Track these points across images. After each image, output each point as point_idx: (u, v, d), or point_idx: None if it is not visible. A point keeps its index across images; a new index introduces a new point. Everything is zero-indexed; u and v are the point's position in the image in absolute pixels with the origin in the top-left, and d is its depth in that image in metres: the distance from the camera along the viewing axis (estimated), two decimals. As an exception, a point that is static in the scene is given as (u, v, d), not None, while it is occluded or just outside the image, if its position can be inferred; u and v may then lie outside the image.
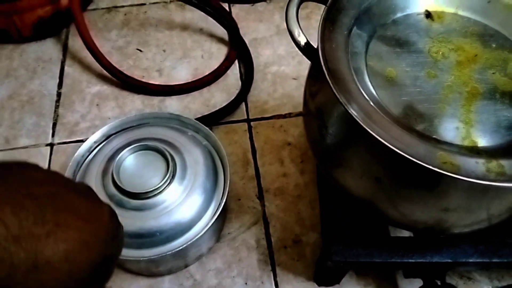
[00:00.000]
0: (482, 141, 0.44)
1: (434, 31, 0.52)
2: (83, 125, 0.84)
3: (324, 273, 0.64)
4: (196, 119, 0.76)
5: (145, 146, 0.61)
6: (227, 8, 1.00)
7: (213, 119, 0.82)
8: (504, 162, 0.41)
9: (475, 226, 0.49)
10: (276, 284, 0.67)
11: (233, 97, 0.86)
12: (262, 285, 0.67)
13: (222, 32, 0.96)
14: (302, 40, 0.49)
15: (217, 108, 0.84)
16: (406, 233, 0.61)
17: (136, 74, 0.90)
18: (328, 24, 0.49)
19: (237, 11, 1.01)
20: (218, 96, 0.87)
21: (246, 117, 0.85)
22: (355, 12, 0.50)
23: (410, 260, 0.55)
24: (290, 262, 0.68)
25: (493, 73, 0.48)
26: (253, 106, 0.86)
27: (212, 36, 0.97)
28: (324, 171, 0.57)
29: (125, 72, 0.88)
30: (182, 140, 0.66)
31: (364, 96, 0.45)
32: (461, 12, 0.53)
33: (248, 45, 0.94)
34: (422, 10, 0.53)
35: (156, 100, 0.87)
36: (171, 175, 0.60)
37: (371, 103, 0.44)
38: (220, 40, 0.96)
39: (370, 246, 0.56)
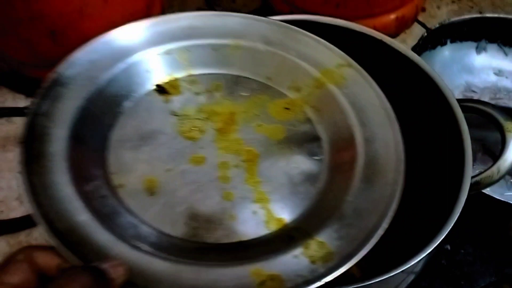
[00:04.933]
0: (287, 214, 0.29)
1: (175, 106, 0.34)
2: None
3: None
4: None
5: None
6: None
7: None
8: (322, 237, 0.26)
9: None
10: None
11: None
12: None
13: None
14: None
15: None
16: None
17: None
18: (35, 165, 0.27)
19: None
20: None
21: None
22: (64, 131, 0.29)
23: None
24: None
25: (259, 125, 0.33)
26: None
27: None
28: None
29: None
30: None
31: (123, 239, 0.26)
32: (193, 72, 0.35)
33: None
34: (151, 87, 0.34)
35: (22, 235, 0.56)
36: None
37: (140, 247, 0.25)
38: None
39: None
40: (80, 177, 0.28)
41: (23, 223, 0.59)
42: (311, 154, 0.31)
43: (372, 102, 0.32)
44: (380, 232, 0.26)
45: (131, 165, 0.30)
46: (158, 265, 0.24)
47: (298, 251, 0.25)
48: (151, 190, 0.29)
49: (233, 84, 0.35)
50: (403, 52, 0.40)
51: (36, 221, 0.25)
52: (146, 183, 0.29)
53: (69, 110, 0.30)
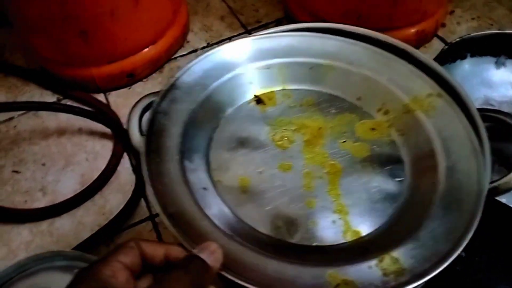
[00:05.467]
0: (364, 228, 0.31)
1: (270, 116, 0.38)
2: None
3: None
4: (91, 236, 0.56)
5: None
6: (103, 99, 0.76)
7: (112, 230, 0.60)
8: (396, 254, 0.28)
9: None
10: None
11: (129, 195, 0.64)
12: None
13: (103, 125, 0.72)
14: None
15: (114, 214, 0.61)
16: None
17: (17, 200, 0.65)
18: (154, 156, 0.33)
19: (114, 98, 0.76)
20: (113, 199, 0.64)
21: (148, 214, 0.62)
22: (178, 129, 0.35)
23: None
24: None
25: (343, 141, 0.36)
26: None
27: (94, 133, 0.72)
28: None
29: (4, 201, 0.63)
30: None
31: (219, 228, 0.30)
32: (288, 86, 0.39)
33: (133, 132, 0.71)
34: (250, 97, 0.38)
35: (44, 225, 0.63)
36: None
37: (232, 236, 0.29)
38: (103, 135, 0.72)
39: None
40: (187, 169, 0.33)
41: (46, 213, 0.64)
42: (392, 175, 0.33)
43: (458, 133, 0.33)
44: (453, 257, 0.28)
45: (228, 164, 0.34)
46: (248, 256, 0.28)
47: (372, 262, 0.27)
48: (244, 189, 0.33)
49: (324, 101, 0.38)
50: (425, 62, 0.38)
51: (153, 204, 0.30)
52: (240, 181, 0.34)
53: (184, 111, 0.35)
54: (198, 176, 0.33)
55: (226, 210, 0.32)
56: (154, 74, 0.79)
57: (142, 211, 0.62)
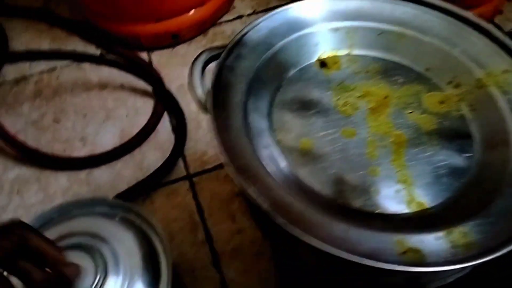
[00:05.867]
0: (429, 200, 0.31)
1: (334, 80, 0.37)
2: (5, 217, 0.58)
3: None
4: (130, 188, 0.56)
5: (68, 245, 0.41)
6: (146, 58, 0.76)
7: (149, 185, 0.61)
8: (465, 228, 0.27)
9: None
10: None
11: (167, 154, 0.64)
12: None
13: (144, 83, 0.72)
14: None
15: (152, 171, 0.62)
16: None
17: (57, 148, 0.66)
18: (220, 110, 0.32)
19: (157, 58, 0.76)
20: (151, 155, 0.65)
21: (186, 173, 0.63)
22: (243, 86, 0.34)
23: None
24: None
25: (410, 112, 0.34)
26: (192, 160, 0.62)
27: (135, 90, 0.72)
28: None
29: (44, 148, 0.64)
30: (110, 228, 0.45)
31: (280, 184, 0.29)
32: (355, 52, 0.38)
33: (175, 94, 0.68)
34: (315, 59, 0.37)
35: (83, 174, 0.64)
36: (103, 275, 0.39)
37: (293, 193, 0.29)
38: (144, 93, 0.72)
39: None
40: (251, 127, 0.32)
41: (85, 163, 0.64)
42: (460, 150, 0.32)
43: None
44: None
45: (290, 125, 0.34)
46: (313, 215, 0.28)
47: (440, 234, 0.27)
48: (305, 151, 0.33)
49: (391, 70, 0.36)
50: (500, 38, 0.35)
51: (221, 155, 0.30)
52: (302, 143, 0.33)
53: (249, 68, 0.34)
54: (261, 134, 0.32)
55: (287, 170, 0.31)
56: (198, 37, 0.78)
57: (179, 170, 0.63)
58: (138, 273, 0.43)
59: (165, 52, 0.77)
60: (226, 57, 0.34)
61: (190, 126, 0.66)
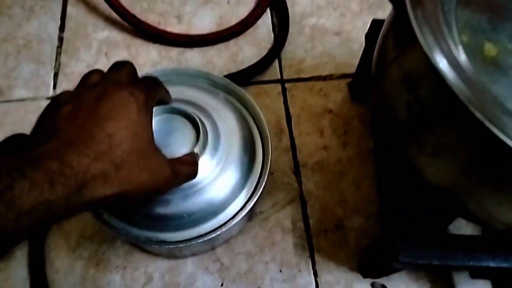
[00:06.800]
0: None
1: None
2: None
3: (371, 264, 0.45)
4: (230, 74, 0.53)
5: (170, 109, 0.37)
6: None
7: (242, 78, 0.56)
8: None
9: None
10: (315, 273, 0.47)
11: (264, 53, 0.59)
12: (299, 273, 0.47)
13: None
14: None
15: (246, 65, 0.57)
16: (465, 230, 0.41)
17: (151, 20, 0.62)
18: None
19: None
20: (247, 50, 0.60)
21: (279, 77, 0.58)
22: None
23: (491, 265, 0.36)
24: (331, 248, 0.48)
25: None
26: (288, 65, 0.58)
27: None
28: (394, 153, 0.35)
29: (138, 16, 0.60)
30: (213, 104, 0.41)
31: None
32: None
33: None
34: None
35: (174, 51, 0.60)
36: (202, 146, 0.37)
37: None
38: None
39: (444, 247, 0.37)
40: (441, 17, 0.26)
41: (179, 41, 0.59)
42: None
43: None
44: None
45: (475, 25, 0.27)
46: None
47: None
48: (489, 57, 0.26)
49: None
50: None
51: (415, 30, 0.23)
52: (486, 50, 0.26)
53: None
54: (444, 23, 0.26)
55: (468, 67, 0.25)
56: None
57: (274, 72, 0.58)
58: (235, 153, 0.39)
59: None
60: None
61: (292, 29, 0.60)
